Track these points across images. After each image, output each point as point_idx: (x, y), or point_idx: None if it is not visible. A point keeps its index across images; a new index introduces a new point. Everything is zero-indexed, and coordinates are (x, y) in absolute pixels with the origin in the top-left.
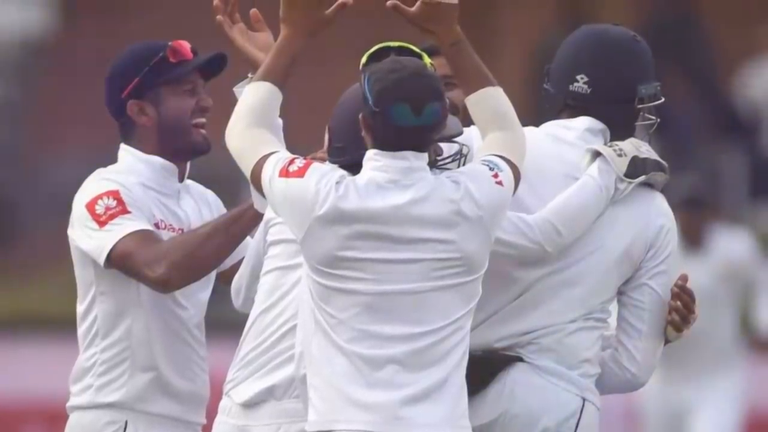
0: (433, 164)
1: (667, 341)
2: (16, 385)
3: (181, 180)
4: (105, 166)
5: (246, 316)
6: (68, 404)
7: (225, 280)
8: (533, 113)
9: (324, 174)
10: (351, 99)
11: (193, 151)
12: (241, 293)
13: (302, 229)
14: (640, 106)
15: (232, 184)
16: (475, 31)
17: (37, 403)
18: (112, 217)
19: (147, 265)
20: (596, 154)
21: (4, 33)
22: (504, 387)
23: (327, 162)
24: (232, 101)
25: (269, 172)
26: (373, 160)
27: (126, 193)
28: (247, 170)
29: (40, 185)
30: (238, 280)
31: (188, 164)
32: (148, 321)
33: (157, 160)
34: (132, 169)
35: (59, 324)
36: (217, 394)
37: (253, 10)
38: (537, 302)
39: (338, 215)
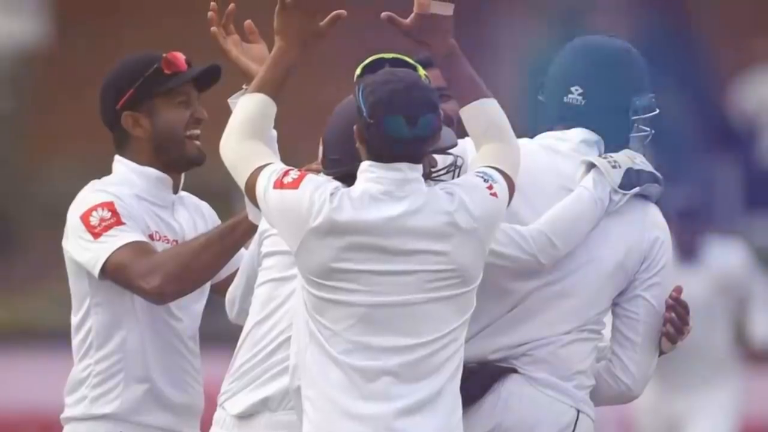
0: (427, 176)
1: (661, 353)
2: (11, 396)
3: (175, 191)
4: (99, 177)
5: (240, 328)
6: (63, 415)
7: (219, 291)
8: (528, 125)
9: (318, 186)
10: (345, 111)
11: (188, 162)
12: (236, 305)
13: (296, 241)
14: (635, 117)
15: (227, 195)
16: (470, 43)
17: (31, 414)
18: (107, 228)
19: (141, 277)
20: (591, 166)
21: None
22: (498, 399)
23: (321, 174)
24: (227, 113)
25: (264, 184)
26: (367, 171)
27: (120, 204)
28: (241, 182)
29: (34, 196)
30: (233, 292)
31: (183, 176)
32: (142, 332)
33: (152, 171)
34: (126, 180)
35: (54, 335)
36: (211, 405)
37: (248, 22)
38: (531, 314)
39: (332, 227)
